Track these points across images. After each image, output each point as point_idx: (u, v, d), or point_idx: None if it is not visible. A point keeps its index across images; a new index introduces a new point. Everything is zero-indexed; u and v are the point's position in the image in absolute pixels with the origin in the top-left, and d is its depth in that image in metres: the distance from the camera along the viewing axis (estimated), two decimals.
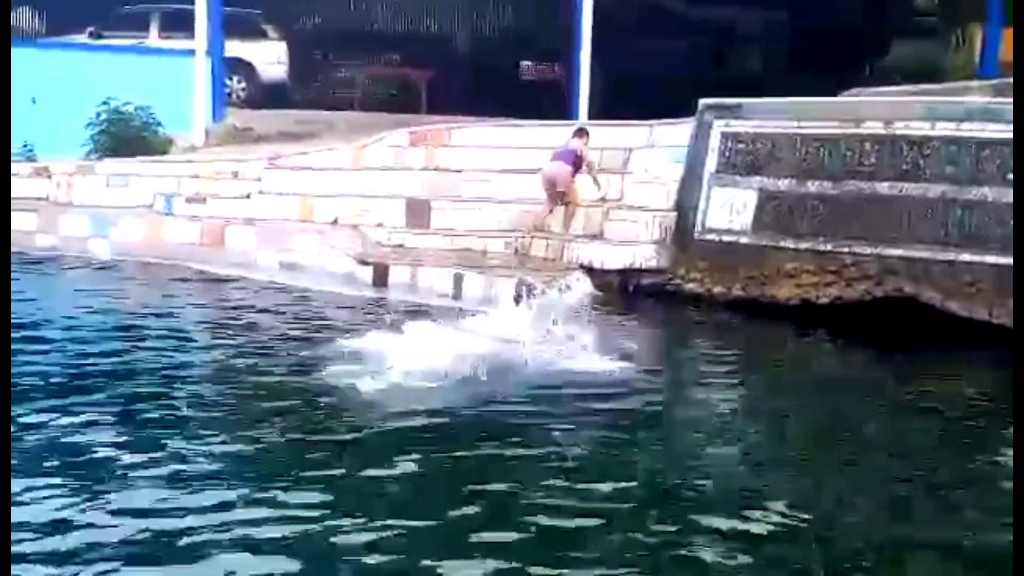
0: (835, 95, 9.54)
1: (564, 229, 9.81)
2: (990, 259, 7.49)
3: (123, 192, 11.44)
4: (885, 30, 17.74)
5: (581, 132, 9.97)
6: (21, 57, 12.33)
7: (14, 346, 5.53)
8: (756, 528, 3.88)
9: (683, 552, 3.67)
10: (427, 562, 3.52)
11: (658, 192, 9.44)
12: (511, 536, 3.77)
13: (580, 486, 4.24)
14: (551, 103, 14.41)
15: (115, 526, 3.74)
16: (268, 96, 15.24)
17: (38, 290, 8.72)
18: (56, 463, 4.33)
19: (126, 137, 12.06)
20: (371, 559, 3.54)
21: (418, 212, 10.49)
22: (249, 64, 15.44)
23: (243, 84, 15.37)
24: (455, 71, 16.71)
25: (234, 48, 14.43)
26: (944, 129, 7.87)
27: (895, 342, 7.19)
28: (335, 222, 10.62)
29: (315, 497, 4.05)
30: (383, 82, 17.01)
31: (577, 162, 9.64)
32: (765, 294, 8.37)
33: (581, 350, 6.35)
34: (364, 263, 9.60)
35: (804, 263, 8.26)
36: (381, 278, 9.38)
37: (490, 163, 10.63)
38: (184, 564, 3.49)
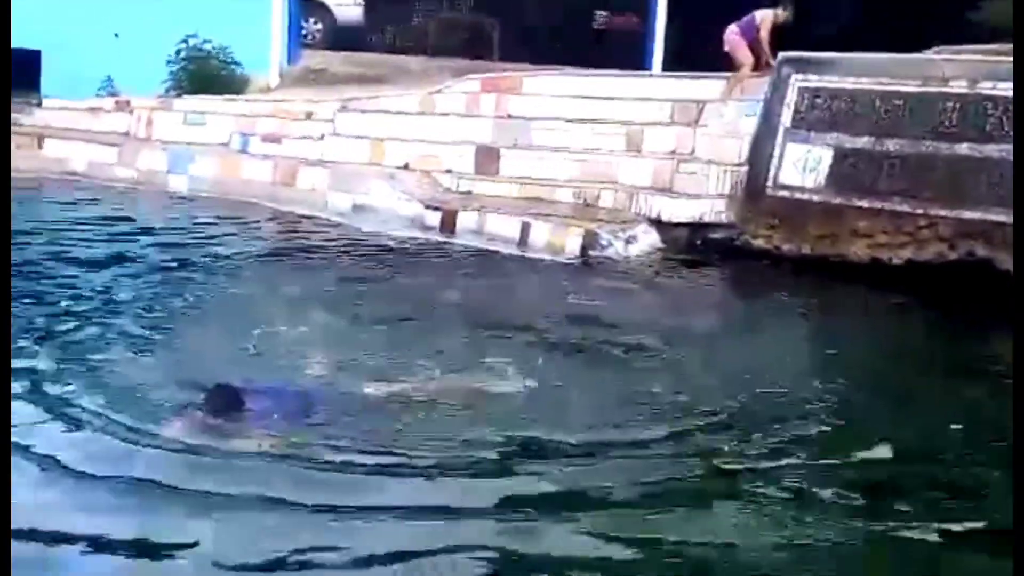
0: (918, 51, 9.29)
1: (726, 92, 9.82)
2: None
3: (200, 130, 11.69)
4: None
5: (772, 4, 10.03)
6: None
7: None
8: None
9: None
10: None
11: (730, 146, 9.33)
12: None
13: None
14: (625, 53, 14.23)
15: None
16: (343, 38, 15.32)
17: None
18: None
19: (205, 75, 12.28)
20: None
21: (487, 159, 10.51)
22: (325, 4, 15.51)
23: (319, 26, 15.48)
24: (528, 19, 16.57)
25: None
26: None
27: (967, 307, 7.05)
28: (406, 166, 10.71)
29: None
30: (456, 28, 16.97)
31: (752, 33, 9.84)
32: (836, 253, 8.28)
33: None
34: (433, 208, 9.70)
35: (878, 223, 8.14)
36: (449, 223, 9.47)
37: (561, 112, 10.57)
38: None
